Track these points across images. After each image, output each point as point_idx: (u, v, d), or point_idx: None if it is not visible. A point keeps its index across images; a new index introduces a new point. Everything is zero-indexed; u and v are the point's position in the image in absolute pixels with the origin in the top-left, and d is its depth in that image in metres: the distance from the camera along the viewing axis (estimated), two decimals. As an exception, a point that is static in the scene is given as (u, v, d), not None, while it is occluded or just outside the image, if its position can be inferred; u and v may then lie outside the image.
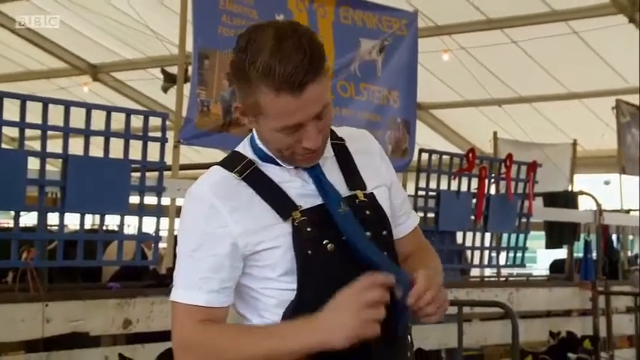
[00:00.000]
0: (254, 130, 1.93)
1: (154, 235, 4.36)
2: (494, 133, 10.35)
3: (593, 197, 7.21)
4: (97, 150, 4.11)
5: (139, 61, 13.67)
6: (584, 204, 7.65)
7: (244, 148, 1.95)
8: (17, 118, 3.90)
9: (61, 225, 4.09)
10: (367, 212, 1.92)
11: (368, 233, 1.88)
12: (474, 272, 8.28)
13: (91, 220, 5.33)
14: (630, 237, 9.65)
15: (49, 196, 4.36)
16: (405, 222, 2.11)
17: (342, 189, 1.93)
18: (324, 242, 1.84)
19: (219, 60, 5.28)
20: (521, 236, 6.04)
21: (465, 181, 5.49)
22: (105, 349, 3.96)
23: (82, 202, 3.94)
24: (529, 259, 8.00)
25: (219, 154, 11.10)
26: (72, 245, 4.09)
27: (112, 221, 4.35)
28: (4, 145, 4.71)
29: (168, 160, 4.54)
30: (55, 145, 4.04)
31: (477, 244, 5.91)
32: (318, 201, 1.88)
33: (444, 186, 5.54)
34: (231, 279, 1.87)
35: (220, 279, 1.85)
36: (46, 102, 3.98)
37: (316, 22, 5.86)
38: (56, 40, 13.75)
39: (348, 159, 1.98)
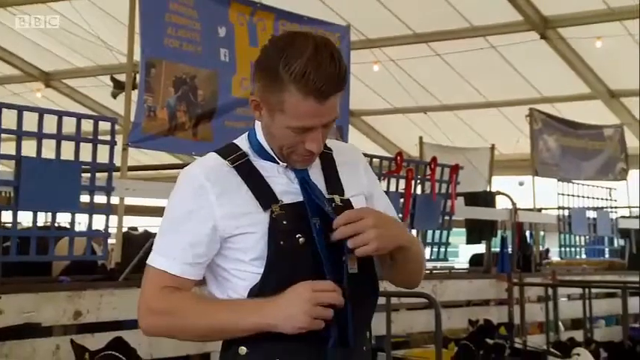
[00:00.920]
0: (256, 124, 1.96)
1: (103, 232, 4.30)
2: (420, 138, 10.44)
3: (509, 197, 7.32)
4: (49, 152, 4.05)
5: (90, 68, 13.49)
6: (501, 203, 7.75)
7: (242, 140, 1.98)
8: (-28, 123, 3.81)
9: (14, 222, 4.01)
10: None
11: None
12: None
13: (43, 218, 5.22)
14: (542, 233, 9.84)
15: (3, 195, 4.29)
16: None
17: (322, 192, 1.95)
18: (296, 236, 1.86)
19: (165, 68, 5.24)
20: (445, 233, 6.09)
21: (393, 182, 5.52)
22: (56, 338, 3.90)
23: (34, 201, 3.88)
24: (451, 254, 8.09)
25: (166, 157, 11.05)
26: (25, 241, 4.03)
27: (63, 219, 4.28)
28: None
29: (117, 161, 4.50)
30: (8, 148, 3.97)
31: (404, 240, 5.93)
32: (299, 199, 1.90)
33: (373, 186, 5.55)
34: (205, 255, 1.90)
35: (196, 254, 1.89)
36: None
37: (256, 35, 5.83)
38: (10, 48, 13.50)
39: (332, 167, 2.01)
